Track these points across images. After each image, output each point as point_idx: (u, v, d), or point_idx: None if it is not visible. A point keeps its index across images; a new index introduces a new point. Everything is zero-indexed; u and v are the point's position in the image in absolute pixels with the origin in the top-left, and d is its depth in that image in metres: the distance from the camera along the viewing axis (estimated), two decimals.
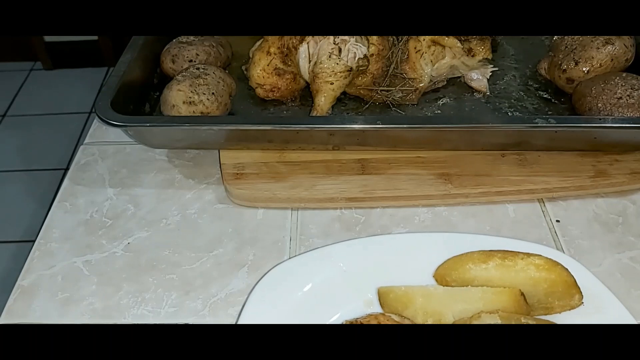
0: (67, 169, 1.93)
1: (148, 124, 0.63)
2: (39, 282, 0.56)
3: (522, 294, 0.47)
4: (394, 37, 0.70)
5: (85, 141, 0.73)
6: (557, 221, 0.61)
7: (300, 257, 0.53)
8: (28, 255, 0.59)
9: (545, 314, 0.49)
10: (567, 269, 0.48)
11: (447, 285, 0.50)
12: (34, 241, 0.60)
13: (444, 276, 0.51)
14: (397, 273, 0.52)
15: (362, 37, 0.67)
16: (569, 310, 0.49)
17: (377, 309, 0.50)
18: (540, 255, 0.49)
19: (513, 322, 0.44)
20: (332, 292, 0.51)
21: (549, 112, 0.70)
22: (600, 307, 0.49)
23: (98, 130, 0.75)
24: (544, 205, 0.63)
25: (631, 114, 0.62)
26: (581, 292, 0.48)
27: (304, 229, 0.60)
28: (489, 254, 0.50)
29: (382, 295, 0.50)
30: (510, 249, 0.51)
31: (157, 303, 0.54)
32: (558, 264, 0.48)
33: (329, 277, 0.52)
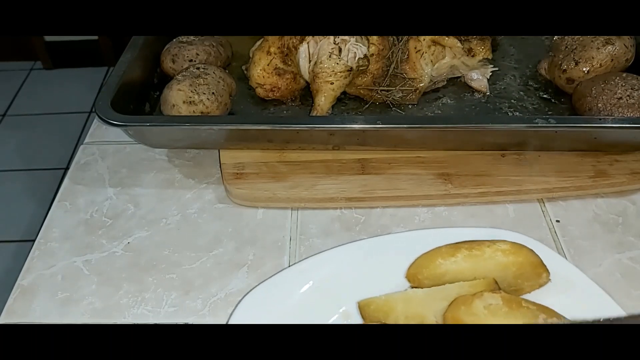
0: (67, 168, 1.93)
1: (148, 124, 0.63)
2: (38, 281, 0.56)
3: (496, 282, 0.48)
4: (394, 37, 0.70)
5: (85, 141, 0.74)
6: (557, 221, 0.61)
7: (267, 282, 0.52)
8: (28, 255, 0.59)
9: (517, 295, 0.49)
10: (532, 250, 0.49)
11: (420, 284, 0.50)
12: (33, 241, 0.60)
13: (415, 275, 0.50)
14: (370, 279, 0.51)
15: (362, 37, 0.67)
16: (538, 288, 0.50)
17: (356, 320, 0.50)
18: (505, 241, 0.50)
19: (514, 303, 0.45)
20: (307, 310, 0.50)
21: (549, 112, 0.70)
22: (569, 282, 0.50)
23: (98, 130, 0.75)
24: (544, 205, 0.63)
25: (631, 114, 0.62)
26: (548, 270, 0.49)
27: (304, 229, 0.60)
28: (456, 246, 0.50)
29: (363, 308, 0.49)
30: (477, 238, 0.51)
31: (157, 303, 0.54)
32: (523, 246, 0.49)
33: (302, 297, 0.51)
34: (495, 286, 0.47)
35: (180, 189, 0.66)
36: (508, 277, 0.49)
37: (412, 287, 0.51)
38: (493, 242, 0.50)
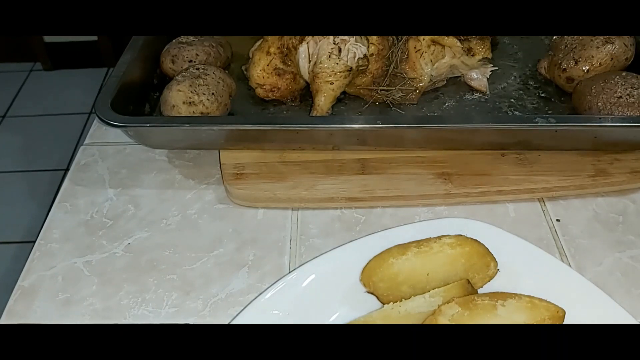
0: (67, 169, 1.93)
1: (148, 125, 0.63)
2: (39, 282, 0.56)
3: (469, 281, 0.48)
4: (394, 37, 0.70)
5: (85, 142, 0.74)
6: (558, 220, 0.61)
7: (240, 316, 0.50)
8: (28, 256, 0.59)
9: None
10: (477, 240, 0.50)
11: (375, 286, 0.50)
12: (34, 242, 0.60)
13: (370, 277, 0.50)
14: (332, 294, 0.51)
15: (362, 37, 0.67)
16: (489, 281, 0.50)
17: None
18: (449, 235, 0.51)
19: (469, 303, 0.45)
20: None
21: (549, 112, 0.70)
22: (516, 273, 0.51)
23: (98, 130, 0.75)
24: (544, 205, 0.63)
25: (631, 113, 0.62)
26: (495, 260, 0.50)
27: (304, 229, 0.60)
28: (406, 245, 0.51)
29: None
30: (428, 231, 0.52)
31: (158, 303, 0.54)
32: (468, 238, 0.50)
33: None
34: (468, 285, 0.48)
35: (181, 190, 0.66)
36: (459, 270, 0.49)
37: (367, 292, 0.51)
38: (439, 237, 0.51)
